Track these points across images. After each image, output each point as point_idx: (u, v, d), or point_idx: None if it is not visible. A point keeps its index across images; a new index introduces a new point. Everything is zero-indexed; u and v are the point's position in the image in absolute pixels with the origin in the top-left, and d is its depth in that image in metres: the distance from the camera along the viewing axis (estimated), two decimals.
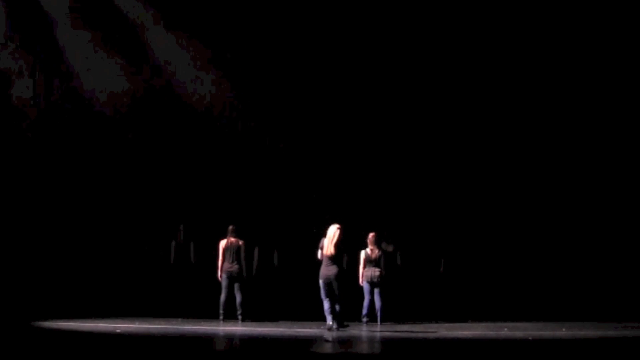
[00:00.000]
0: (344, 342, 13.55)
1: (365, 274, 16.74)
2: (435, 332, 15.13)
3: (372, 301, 16.70)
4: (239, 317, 16.72)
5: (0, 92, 18.74)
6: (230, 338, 14.37)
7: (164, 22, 19.07)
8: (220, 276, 16.88)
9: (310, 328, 15.53)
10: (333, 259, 15.01)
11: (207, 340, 13.99)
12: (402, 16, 18.88)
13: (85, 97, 19.05)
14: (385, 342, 14.03)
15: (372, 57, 19.07)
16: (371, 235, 16.86)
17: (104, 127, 19.02)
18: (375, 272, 16.68)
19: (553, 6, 18.73)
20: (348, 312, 15.86)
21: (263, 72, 19.17)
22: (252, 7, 18.97)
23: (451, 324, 16.55)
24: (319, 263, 15.33)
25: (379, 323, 16.46)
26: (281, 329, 15.47)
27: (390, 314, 16.74)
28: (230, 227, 17.02)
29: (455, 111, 19.25)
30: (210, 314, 17.00)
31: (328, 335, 14.21)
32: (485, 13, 18.89)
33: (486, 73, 19.08)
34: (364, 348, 13.34)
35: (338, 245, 15.01)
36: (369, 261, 16.77)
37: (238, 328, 15.78)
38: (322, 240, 15.15)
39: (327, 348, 12.90)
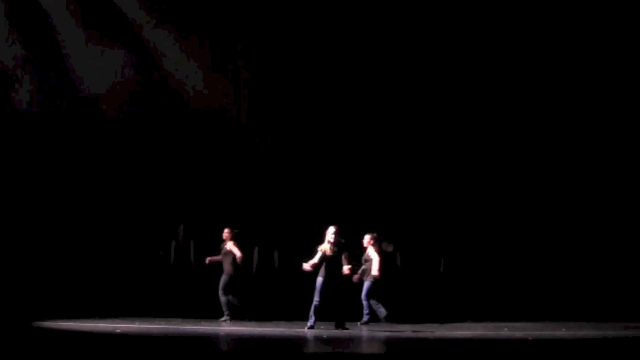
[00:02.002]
0: (343, 342, 13.56)
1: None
2: (435, 332, 15.12)
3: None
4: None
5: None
6: (229, 338, 14.36)
7: (163, 19, 19.09)
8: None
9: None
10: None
11: (207, 340, 13.98)
12: (401, 17, 18.88)
13: (85, 96, 19.06)
14: (385, 342, 14.03)
15: (371, 58, 19.07)
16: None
17: (104, 126, 19.02)
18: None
19: (553, 6, 18.73)
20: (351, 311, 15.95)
21: (264, 71, 19.17)
22: (252, 6, 18.98)
23: (451, 324, 16.55)
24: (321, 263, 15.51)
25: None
26: (281, 329, 15.47)
27: (390, 314, 16.73)
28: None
29: (455, 111, 19.25)
30: (211, 314, 17.02)
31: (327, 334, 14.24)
32: (485, 13, 18.89)
33: (486, 73, 19.07)
34: (363, 348, 13.34)
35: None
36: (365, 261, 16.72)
37: (238, 328, 15.77)
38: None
39: (326, 348, 12.91)
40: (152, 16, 19.03)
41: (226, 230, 17.11)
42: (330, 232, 15.29)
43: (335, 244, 15.22)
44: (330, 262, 15.19)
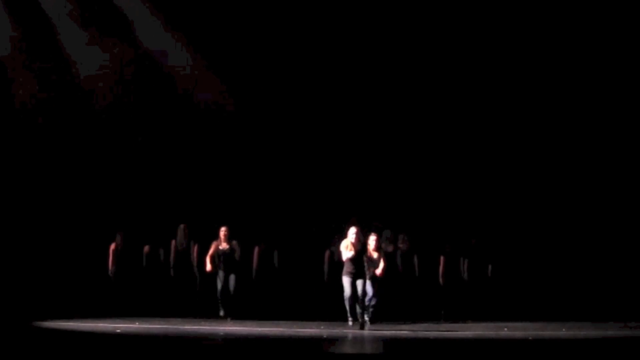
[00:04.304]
0: (342, 342, 13.56)
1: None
2: (435, 332, 15.12)
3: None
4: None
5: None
6: (229, 338, 14.35)
7: (159, 15, 19.14)
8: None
9: (310, 328, 15.53)
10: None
11: (207, 340, 13.98)
12: (405, 14, 18.87)
13: (81, 92, 19.10)
14: (385, 342, 14.03)
15: (374, 54, 19.05)
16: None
17: (104, 125, 19.04)
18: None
19: (553, 6, 18.74)
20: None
21: (265, 69, 19.15)
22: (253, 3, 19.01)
23: (451, 324, 16.54)
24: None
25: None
26: (281, 329, 15.47)
27: (390, 314, 16.74)
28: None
29: (458, 113, 19.24)
30: (210, 314, 17.02)
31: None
32: (486, 12, 18.88)
33: (488, 70, 19.07)
34: (363, 348, 13.33)
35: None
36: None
37: (238, 328, 15.76)
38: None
39: (326, 348, 12.91)
40: (148, 11, 19.08)
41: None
42: (352, 233, 15.53)
43: (357, 244, 15.43)
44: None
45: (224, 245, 17.24)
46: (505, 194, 19.20)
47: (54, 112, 18.97)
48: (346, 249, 15.54)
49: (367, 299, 15.69)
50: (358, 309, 15.65)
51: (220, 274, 17.19)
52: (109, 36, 19.09)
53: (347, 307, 15.65)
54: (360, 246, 15.53)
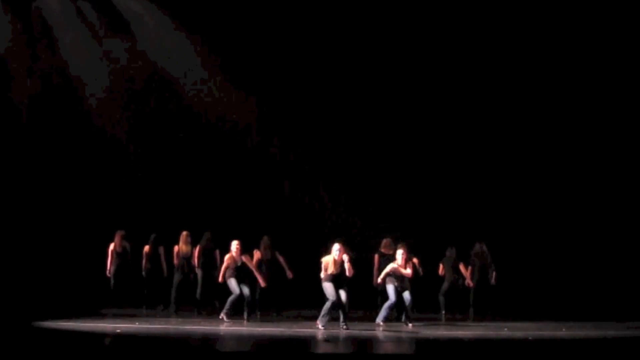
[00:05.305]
0: (342, 342, 13.57)
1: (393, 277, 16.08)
2: (436, 332, 15.13)
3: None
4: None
5: None
6: (230, 338, 14.37)
7: (168, 20, 19.20)
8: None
9: (310, 328, 15.53)
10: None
11: (207, 340, 13.99)
12: (410, 19, 18.93)
13: (83, 95, 19.16)
14: (385, 341, 14.04)
15: (384, 61, 19.12)
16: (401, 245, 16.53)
17: (104, 126, 19.08)
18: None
19: (553, 6, 18.76)
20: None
21: (266, 73, 19.19)
22: (255, 9, 19.03)
23: (451, 324, 16.55)
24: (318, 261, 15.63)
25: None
26: (281, 329, 15.47)
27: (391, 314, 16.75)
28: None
29: (463, 117, 19.30)
30: (211, 314, 17.06)
31: (325, 335, 14.25)
32: (487, 13, 18.92)
33: (490, 75, 19.11)
34: (362, 348, 13.34)
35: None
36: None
37: (238, 328, 15.76)
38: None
39: (327, 348, 12.92)
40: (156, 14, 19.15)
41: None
42: (335, 249, 15.06)
43: (339, 261, 14.99)
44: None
45: (238, 260, 16.77)
46: (506, 196, 19.25)
47: (54, 111, 19.00)
48: (328, 265, 14.94)
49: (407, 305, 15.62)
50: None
51: (233, 281, 16.75)
52: (109, 35, 19.15)
53: (327, 313, 14.86)
54: (341, 265, 14.88)
